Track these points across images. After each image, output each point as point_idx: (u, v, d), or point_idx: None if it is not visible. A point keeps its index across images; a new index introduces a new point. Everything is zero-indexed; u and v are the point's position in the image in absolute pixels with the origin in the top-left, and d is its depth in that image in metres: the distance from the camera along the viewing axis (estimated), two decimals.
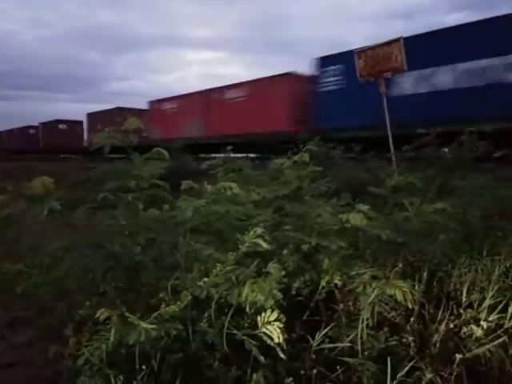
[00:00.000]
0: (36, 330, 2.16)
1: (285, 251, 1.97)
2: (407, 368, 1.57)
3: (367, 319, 1.76)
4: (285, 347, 1.47)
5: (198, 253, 1.95)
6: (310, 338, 1.72)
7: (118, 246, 2.16)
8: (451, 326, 1.91)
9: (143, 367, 1.51)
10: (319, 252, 1.97)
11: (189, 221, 2.09)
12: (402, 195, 2.77)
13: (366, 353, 1.69)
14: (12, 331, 2.26)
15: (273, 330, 1.46)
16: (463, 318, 1.98)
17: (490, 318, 1.94)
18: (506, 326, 1.88)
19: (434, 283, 2.27)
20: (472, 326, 1.88)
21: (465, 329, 1.88)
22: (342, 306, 1.92)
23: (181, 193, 2.36)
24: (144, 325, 1.42)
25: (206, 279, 1.66)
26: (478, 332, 1.84)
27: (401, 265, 2.20)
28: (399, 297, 1.66)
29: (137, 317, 1.46)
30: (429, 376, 1.54)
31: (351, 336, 1.73)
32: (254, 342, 1.47)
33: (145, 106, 24.45)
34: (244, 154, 15.44)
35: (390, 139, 5.93)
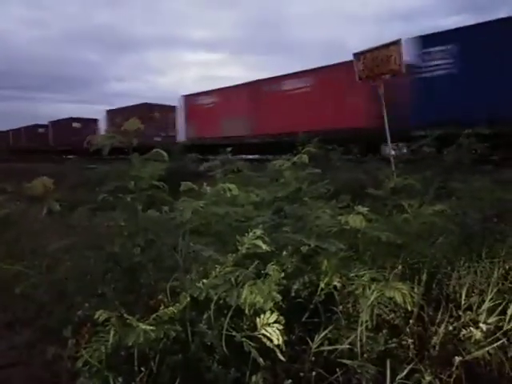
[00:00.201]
0: (35, 331, 2.16)
1: (284, 253, 1.97)
2: (407, 370, 1.57)
3: (366, 321, 1.76)
4: (284, 349, 1.47)
5: (197, 254, 1.95)
6: (309, 340, 1.72)
7: (117, 247, 2.15)
8: (450, 328, 1.91)
9: (142, 369, 1.50)
10: (318, 254, 1.97)
11: (188, 222, 2.09)
12: (401, 197, 2.77)
13: (365, 355, 1.69)
14: (11, 332, 2.25)
15: (272, 331, 1.46)
16: (462, 320, 1.98)
17: (490, 321, 1.94)
18: (505, 329, 1.88)
19: (434, 285, 2.27)
20: (471, 328, 1.88)
21: (464, 331, 1.88)
22: (341, 307, 1.92)
23: (180, 194, 2.36)
24: (143, 326, 1.42)
25: (205, 280, 1.66)
26: (478, 334, 1.84)
27: (400, 267, 2.20)
28: (398, 299, 1.66)
29: (136, 318, 1.46)
30: (428, 378, 1.54)
31: (350, 338, 1.72)
32: (253, 344, 1.47)
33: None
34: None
35: (389, 139, 5.93)
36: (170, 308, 1.56)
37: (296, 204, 2.57)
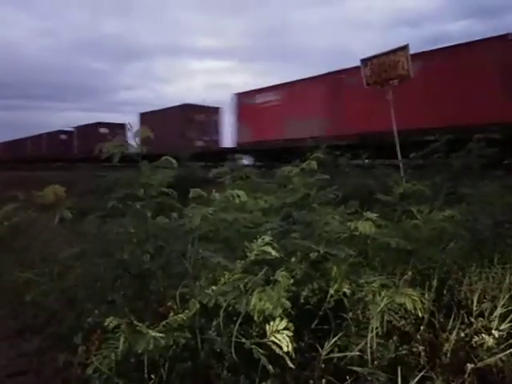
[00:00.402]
0: (45, 339, 2.17)
1: (293, 259, 1.97)
2: (418, 378, 1.55)
3: (377, 328, 1.74)
4: (293, 356, 1.47)
5: (206, 261, 1.95)
6: (318, 347, 1.71)
7: (126, 254, 2.17)
8: (462, 335, 1.89)
9: (152, 376, 1.50)
10: (327, 260, 1.96)
11: (197, 229, 2.09)
12: (410, 202, 2.75)
13: (375, 362, 1.68)
14: (22, 339, 2.27)
15: (282, 338, 1.46)
16: (474, 326, 1.96)
17: (502, 327, 1.92)
18: None
19: (444, 291, 2.24)
20: (483, 335, 1.85)
21: (476, 338, 1.85)
22: (350, 314, 1.91)
23: (189, 200, 2.37)
24: (152, 333, 1.42)
25: (214, 287, 1.66)
26: (490, 341, 1.81)
27: (410, 273, 2.18)
28: (409, 305, 1.65)
29: (145, 325, 1.47)
30: None
31: (361, 345, 1.71)
32: (262, 351, 1.47)
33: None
34: None
35: (398, 146, 5.91)
36: (180, 315, 1.56)
37: (304, 210, 2.57)
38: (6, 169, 25.97)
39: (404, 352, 1.75)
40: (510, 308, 2.00)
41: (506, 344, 1.79)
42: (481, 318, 2.01)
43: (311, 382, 1.58)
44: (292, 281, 1.71)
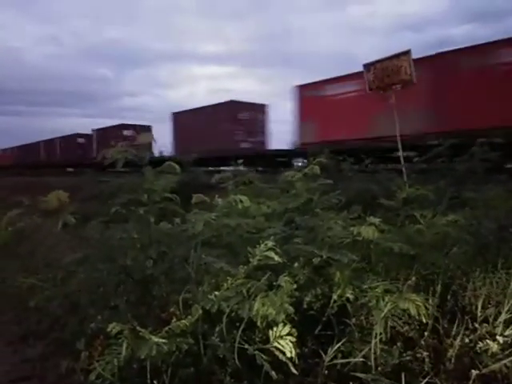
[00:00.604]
0: (48, 344, 2.17)
1: (296, 264, 1.96)
2: None
3: (380, 334, 1.73)
4: (297, 362, 1.46)
5: (208, 266, 1.95)
6: (322, 353, 1.70)
7: (129, 260, 2.17)
8: (466, 340, 1.87)
9: (155, 382, 1.50)
10: (331, 265, 1.95)
11: (200, 234, 2.10)
12: (413, 207, 2.74)
13: (379, 368, 1.67)
14: (25, 345, 2.27)
15: (285, 344, 1.45)
16: (479, 332, 1.95)
17: (506, 333, 1.90)
18: None
19: (448, 297, 2.23)
20: (488, 340, 1.84)
21: (480, 344, 1.84)
22: (354, 320, 1.90)
23: (192, 206, 2.38)
24: (155, 339, 1.42)
25: (216, 293, 1.66)
26: (494, 347, 1.80)
27: (414, 278, 2.17)
28: (413, 311, 1.64)
29: (148, 331, 1.47)
30: None
31: (364, 351, 1.70)
32: (265, 357, 1.46)
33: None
34: None
35: (401, 151, 5.91)
36: (183, 321, 1.56)
37: (307, 215, 2.57)
38: (13, 174, 25.67)
39: (408, 358, 1.74)
40: None
41: (510, 350, 1.78)
42: (485, 324, 2.00)
43: None
44: (295, 286, 1.71)
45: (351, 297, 1.85)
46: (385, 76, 5.98)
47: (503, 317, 1.99)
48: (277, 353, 1.45)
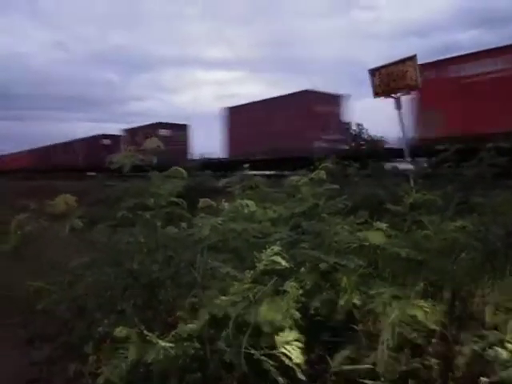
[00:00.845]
0: (56, 348, 2.18)
1: (302, 269, 1.96)
2: None
3: (388, 340, 1.72)
4: (303, 368, 1.45)
5: (215, 271, 1.96)
6: (329, 359, 1.69)
7: (136, 264, 2.18)
8: (475, 347, 1.85)
9: None
10: (337, 270, 1.95)
11: (206, 238, 2.10)
12: (420, 213, 2.73)
13: (386, 375, 1.65)
14: (32, 348, 2.28)
15: (291, 350, 1.45)
16: (488, 339, 1.92)
17: None
18: None
19: (456, 303, 2.21)
20: (497, 347, 1.82)
21: (489, 351, 1.82)
22: (361, 326, 1.89)
23: (199, 210, 2.38)
24: (162, 343, 1.42)
25: (223, 297, 1.66)
26: (504, 354, 1.78)
27: (421, 284, 2.16)
28: (420, 317, 1.63)
29: (155, 335, 1.47)
30: None
31: (371, 357, 1.69)
32: (272, 363, 1.46)
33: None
34: None
35: (406, 152, 5.89)
36: (189, 325, 1.56)
37: (314, 220, 2.57)
38: (22, 178, 25.62)
39: (416, 365, 1.73)
40: None
41: None
42: (494, 331, 1.98)
43: None
44: (301, 291, 1.70)
45: (358, 302, 1.84)
46: (390, 81, 5.99)
47: None
48: (283, 358, 1.45)
